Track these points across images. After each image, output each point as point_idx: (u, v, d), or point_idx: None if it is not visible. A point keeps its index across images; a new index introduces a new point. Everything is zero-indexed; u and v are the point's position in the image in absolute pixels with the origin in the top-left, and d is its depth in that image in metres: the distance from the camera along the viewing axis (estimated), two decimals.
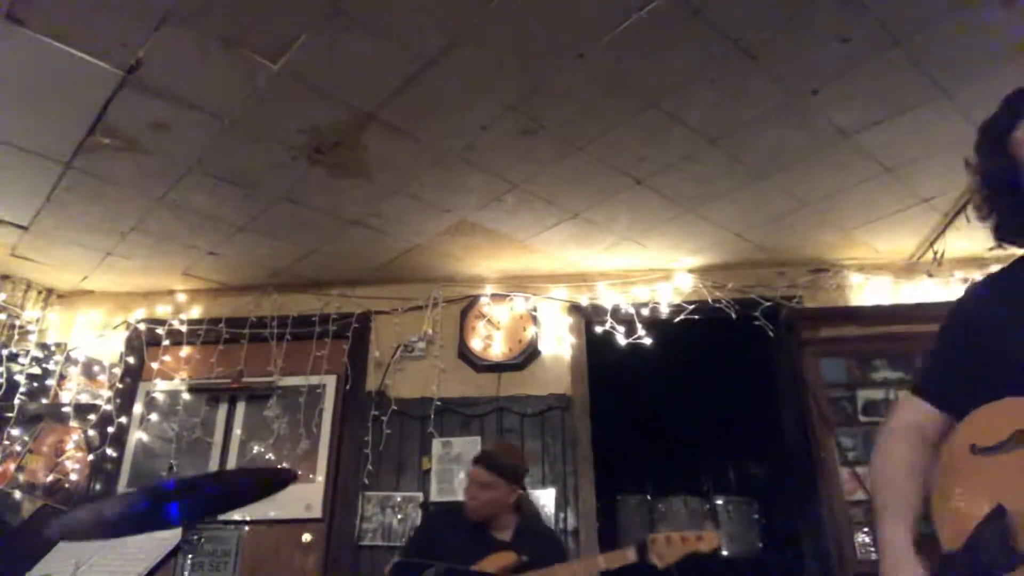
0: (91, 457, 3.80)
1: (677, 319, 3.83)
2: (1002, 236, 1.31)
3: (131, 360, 4.06)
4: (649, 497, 4.40)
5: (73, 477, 3.77)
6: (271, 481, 2.09)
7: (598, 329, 3.88)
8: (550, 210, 3.35)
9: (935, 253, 3.65)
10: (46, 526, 1.75)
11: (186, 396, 3.97)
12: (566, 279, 4.02)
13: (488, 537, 2.59)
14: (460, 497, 3.41)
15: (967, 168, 1.35)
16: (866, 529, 3.21)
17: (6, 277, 3.98)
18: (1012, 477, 1.08)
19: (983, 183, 1.32)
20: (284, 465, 3.76)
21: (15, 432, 3.79)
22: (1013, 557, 1.03)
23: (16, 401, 3.80)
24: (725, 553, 4.20)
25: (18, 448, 3.77)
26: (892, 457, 1.31)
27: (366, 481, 3.61)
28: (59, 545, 2.39)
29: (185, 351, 4.10)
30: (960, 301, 1.37)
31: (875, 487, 1.29)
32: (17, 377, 3.86)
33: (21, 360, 3.91)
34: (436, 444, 3.66)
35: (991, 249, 1.37)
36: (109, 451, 3.81)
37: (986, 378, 1.20)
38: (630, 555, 2.32)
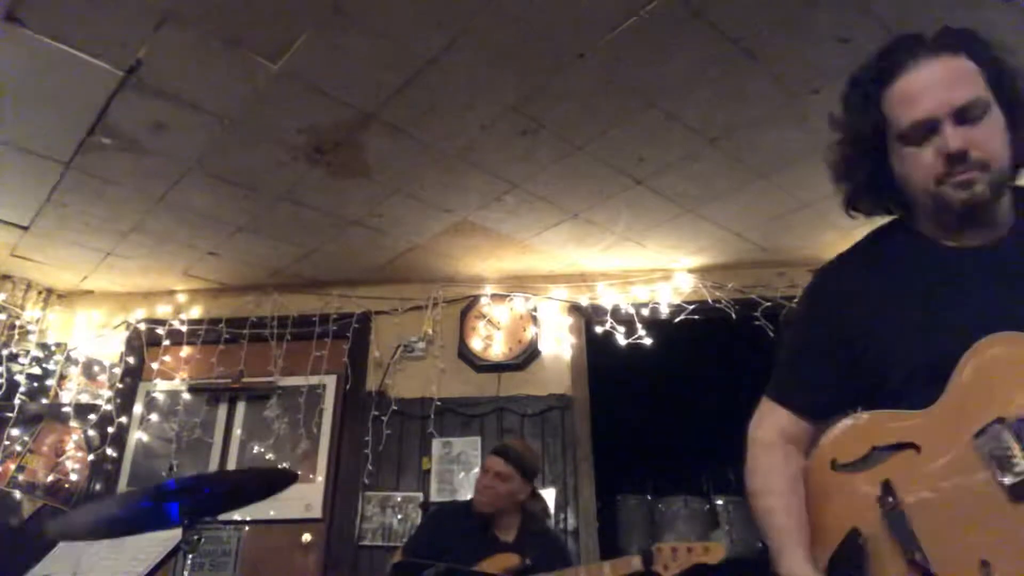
0: (91, 457, 3.80)
1: (677, 319, 3.83)
2: (853, 204, 1.19)
3: (131, 360, 4.06)
4: (649, 497, 4.39)
5: (73, 477, 3.77)
6: (272, 481, 2.09)
7: (598, 329, 3.88)
8: (550, 210, 3.35)
9: None
10: (46, 527, 1.74)
11: (186, 396, 3.97)
12: (566, 279, 4.02)
13: (491, 537, 2.58)
14: (460, 497, 3.43)
15: (830, 123, 1.20)
16: None
17: (6, 277, 3.98)
18: (866, 497, 1.02)
19: (846, 141, 1.17)
20: (284, 465, 3.76)
21: (15, 432, 3.78)
22: None
23: (16, 401, 3.80)
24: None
25: (18, 448, 3.77)
26: (769, 473, 1.19)
27: (366, 481, 3.61)
28: (59, 545, 2.39)
29: (185, 351, 4.10)
30: (818, 292, 1.25)
31: (760, 509, 1.17)
32: (17, 377, 3.86)
33: (21, 360, 3.91)
34: (436, 444, 3.66)
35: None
36: (109, 451, 3.81)
37: (855, 383, 1.13)
38: (635, 564, 2.31)
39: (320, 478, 3.72)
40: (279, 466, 3.71)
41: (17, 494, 3.68)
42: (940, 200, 1.05)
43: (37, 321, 4.07)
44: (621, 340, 3.82)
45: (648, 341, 3.79)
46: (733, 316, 3.80)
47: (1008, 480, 0.90)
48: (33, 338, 4.01)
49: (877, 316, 1.11)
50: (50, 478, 3.75)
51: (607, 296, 3.94)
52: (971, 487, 0.93)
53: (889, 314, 1.10)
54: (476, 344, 3.88)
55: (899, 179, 1.11)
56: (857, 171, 1.16)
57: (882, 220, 1.23)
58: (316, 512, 3.63)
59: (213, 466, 3.80)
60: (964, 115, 1.02)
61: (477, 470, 3.50)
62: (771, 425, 1.24)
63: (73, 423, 3.85)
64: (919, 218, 1.14)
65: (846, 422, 1.10)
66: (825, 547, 1.05)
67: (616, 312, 3.89)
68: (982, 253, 1.08)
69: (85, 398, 3.93)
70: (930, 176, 1.05)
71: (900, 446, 1.02)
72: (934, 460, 0.98)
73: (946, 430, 0.99)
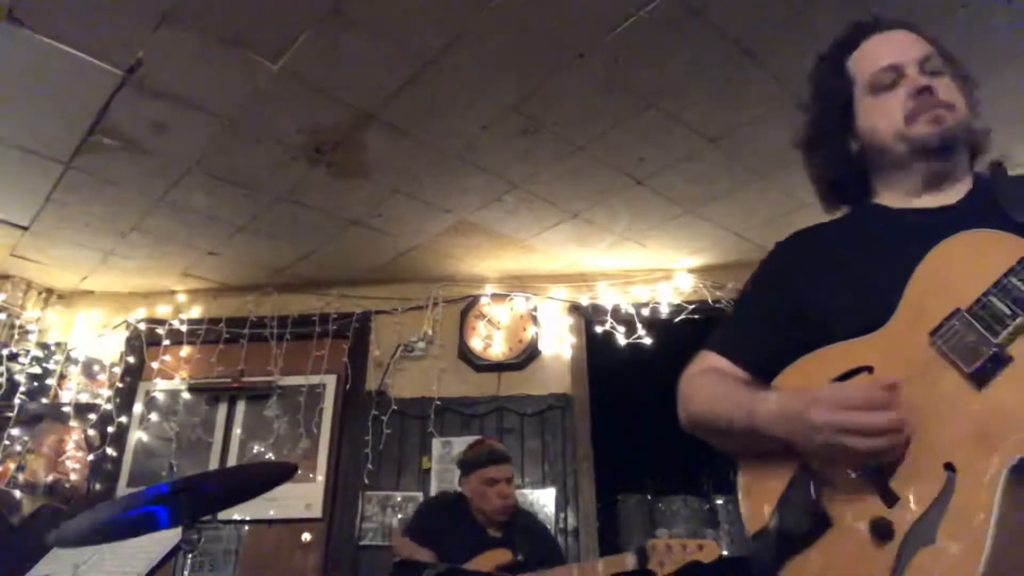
0: (91, 457, 3.80)
1: (677, 319, 3.83)
2: (824, 195, 1.23)
3: (131, 360, 4.06)
4: (649, 497, 4.39)
5: (73, 477, 3.76)
6: (270, 475, 2.09)
7: (598, 329, 3.88)
8: (550, 210, 3.35)
9: None
10: (45, 533, 1.74)
11: (186, 396, 3.97)
12: (566, 279, 4.02)
13: (482, 532, 2.58)
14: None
15: (800, 108, 1.27)
16: None
17: (6, 277, 3.98)
18: None
19: (815, 112, 1.24)
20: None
21: (15, 432, 3.78)
22: (819, 519, 0.92)
23: (16, 401, 3.80)
24: (725, 553, 4.19)
25: (18, 448, 3.77)
26: (714, 381, 1.13)
27: (366, 481, 3.61)
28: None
29: (185, 351, 4.10)
30: (771, 258, 1.24)
31: (710, 404, 1.10)
32: (17, 377, 3.86)
33: (21, 360, 3.91)
34: (436, 444, 3.66)
35: None
36: (109, 451, 3.81)
37: (800, 340, 1.07)
38: (629, 561, 2.30)
39: (320, 478, 3.72)
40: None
41: (17, 494, 3.68)
42: (912, 141, 1.06)
43: (37, 321, 4.07)
44: (621, 340, 3.82)
45: (648, 341, 3.79)
46: None
47: (969, 368, 0.85)
48: (33, 338, 4.01)
49: (826, 275, 1.10)
50: (50, 478, 3.74)
51: (607, 296, 3.94)
52: (931, 386, 0.88)
53: (840, 272, 1.08)
54: (476, 344, 3.88)
55: (868, 135, 1.13)
56: (827, 143, 1.20)
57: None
58: (316, 512, 3.63)
59: (213, 466, 3.80)
60: (926, 65, 1.10)
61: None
62: (706, 363, 1.19)
63: (73, 423, 3.85)
64: (882, 190, 1.16)
65: (792, 365, 1.05)
66: (767, 502, 1.00)
67: (616, 312, 3.89)
68: (940, 212, 1.07)
69: (85, 398, 3.93)
70: (900, 117, 1.08)
71: (851, 373, 0.97)
72: (890, 374, 0.92)
73: (900, 341, 0.94)
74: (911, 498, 0.85)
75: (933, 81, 1.07)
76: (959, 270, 0.92)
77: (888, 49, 1.13)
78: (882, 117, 1.10)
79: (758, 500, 1.02)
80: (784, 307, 1.12)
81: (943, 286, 0.92)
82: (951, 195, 1.08)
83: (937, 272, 0.94)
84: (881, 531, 0.85)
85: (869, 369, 0.96)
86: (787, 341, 1.08)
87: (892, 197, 1.14)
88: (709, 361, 1.19)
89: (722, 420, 1.07)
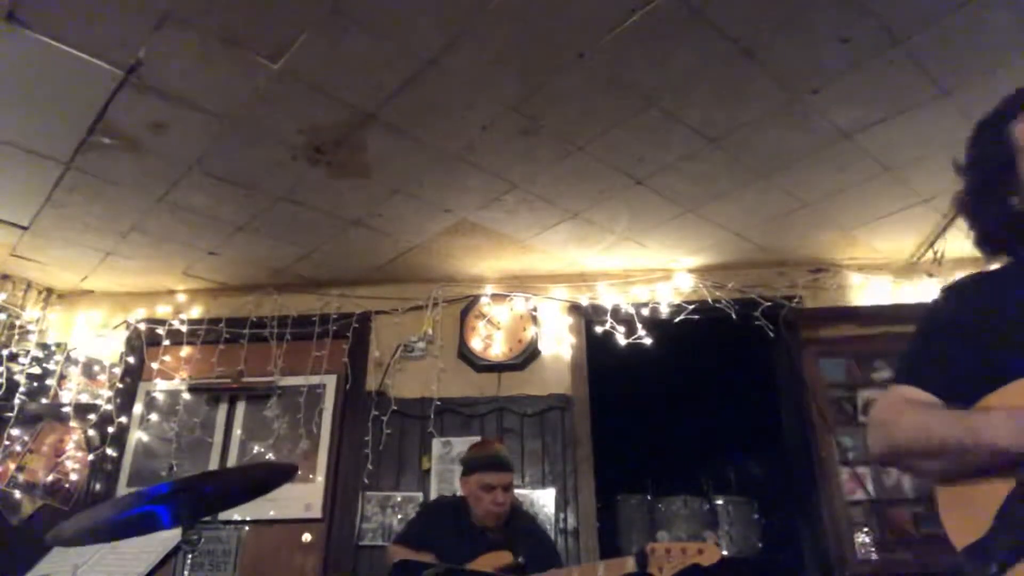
0: (91, 457, 3.80)
1: (677, 319, 3.83)
2: (984, 244, 1.29)
3: (131, 360, 4.06)
4: (649, 497, 4.39)
5: (73, 477, 3.77)
6: (270, 476, 2.09)
7: (598, 329, 3.88)
8: (550, 210, 3.35)
9: (935, 253, 3.66)
10: (45, 534, 1.74)
11: (186, 396, 3.97)
12: (566, 279, 4.02)
13: (481, 534, 2.59)
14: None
15: (955, 170, 1.34)
16: (866, 529, 3.21)
17: (6, 277, 3.98)
18: None
19: (973, 181, 1.31)
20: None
21: (15, 432, 3.79)
22: None
23: (16, 401, 3.80)
24: (725, 553, 4.19)
25: (18, 448, 3.77)
26: (919, 409, 1.16)
27: (366, 481, 3.61)
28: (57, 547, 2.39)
29: (185, 351, 4.10)
30: (957, 290, 1.31)
31: (920, 429, 1.13)
32: (17, 377, 3.86)
33: (21, 360, 3.91)
34: (436, 444, 3.66)
35: None
36: (109, 451, 3.81)
37: (990, 373, 1.13)
38: (629, 564, 2.30)
39: (320, 478, 3.72)
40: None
41: (17, 494, 3.68)
42: None
43: (37, 321, 4.07)
44: (621, 340, 3.82)
45: (648, 341, 3.79)
46: (733, 316, 3.80)
47: None
48: (33, 338, 4.01)
49: (1013, 314, 1.16)
50: (50, 478, 3.75)
51: (607, 296, 3.94)
52: None
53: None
54: (476, 344, 3.88)
55: None
56: (982, 214, 1.28)
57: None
58: (316, 512, 3.63)
59: (213, 466, 3.80)
60: None
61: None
62: (904, 394, 1.22)
63: (73, 423, 3.86)
64: None
65: (996, 392, 1.09)
66: (982, 512, 1.03)
67: (616, 312, 3.88)
68: None
69: (85, 398, 3.93)
70: None
71: None
72: None
73: None
74: None
75: None
76: None
77: None
78: None
79: (968, 515, 1.06)
80: (971, 342, 1.18)
81: None
82: None
83: None
84: None
85: None
86: (976, 373, 1.13)
87: None
88: (904, 393, 1.22)
89: (934, 441, 1.11)
